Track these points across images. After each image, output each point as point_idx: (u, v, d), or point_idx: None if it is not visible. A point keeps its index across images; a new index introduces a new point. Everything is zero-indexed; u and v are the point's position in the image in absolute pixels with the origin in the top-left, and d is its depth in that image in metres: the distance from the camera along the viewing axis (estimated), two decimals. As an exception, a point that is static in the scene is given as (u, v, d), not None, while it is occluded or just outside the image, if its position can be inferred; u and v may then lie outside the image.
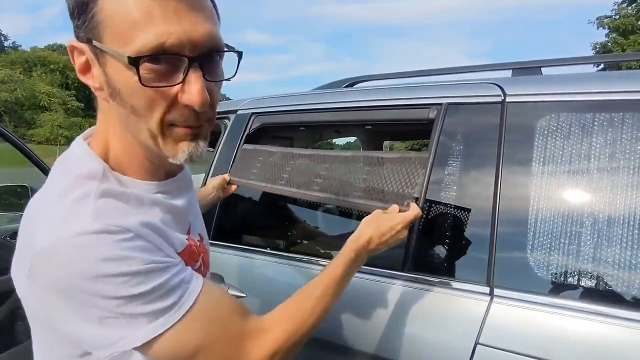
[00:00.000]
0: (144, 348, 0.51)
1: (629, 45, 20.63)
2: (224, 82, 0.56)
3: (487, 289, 0.87)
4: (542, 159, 0.90)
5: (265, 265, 1.23)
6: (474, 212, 0.94)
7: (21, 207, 0.99)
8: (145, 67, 0.48)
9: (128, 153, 0.56)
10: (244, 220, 1.62)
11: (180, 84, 0.49)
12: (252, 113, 1.46)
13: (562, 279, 0.83)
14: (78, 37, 0.52)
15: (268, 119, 1.44)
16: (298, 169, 1.18)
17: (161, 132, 0.52)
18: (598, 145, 0.86)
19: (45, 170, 1.85)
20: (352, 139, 2.93)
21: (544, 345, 0.78)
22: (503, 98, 0.99)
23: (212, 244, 1.35)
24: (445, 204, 0.99)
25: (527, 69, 1.19)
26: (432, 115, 1.07)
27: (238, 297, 1.17)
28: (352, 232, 0.80)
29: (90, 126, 0.62)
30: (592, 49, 22.39)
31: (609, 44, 21.68)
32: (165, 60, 0.48)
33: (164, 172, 0.60)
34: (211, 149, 1.48)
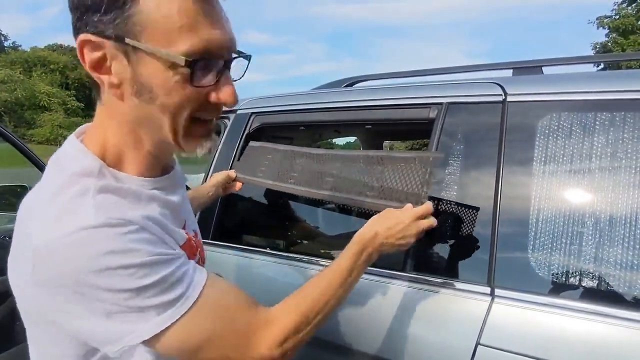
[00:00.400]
0: (151, 342, 0.51)
1: (629, 45, 20.65)
2: None
3: (488, 289, 0.87)
4: (543, 159, 0.90)
5: (265, 265, 1.23)
6: (475, 212, 0.94)
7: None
8: (195, 68, 0.51)
9: (131, 149, 0.57)
10: (244, 220, 1.61)
11: (215, 84, 0.54)
12: (252, 113, 1.46)
13: (563, 279, 0.83)
14: (98, 32, 0.50)
15: (268, 119, 1.43)
16: (309, 167, 1.15)
17: (186, 127, 0.54)
18: (599, 145, 0.86)
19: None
20: (352, 139, 2.93)
21: (545, 346, 0.77)
22: (504, 97, 0.98)
23: (212, 244, 1.36)
24: (446, 204, 0.99)
25: (528, 69, 1.19)
26: (432, 114, 1.07)
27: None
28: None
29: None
30: (592, 49, 22.41)
31: (609, 44, 21.70)
32: (210, 62, 0.52)
33: (161, 169, 0.61)
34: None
